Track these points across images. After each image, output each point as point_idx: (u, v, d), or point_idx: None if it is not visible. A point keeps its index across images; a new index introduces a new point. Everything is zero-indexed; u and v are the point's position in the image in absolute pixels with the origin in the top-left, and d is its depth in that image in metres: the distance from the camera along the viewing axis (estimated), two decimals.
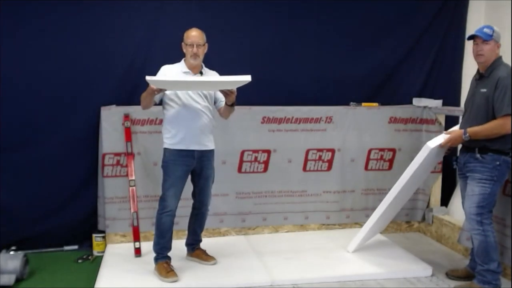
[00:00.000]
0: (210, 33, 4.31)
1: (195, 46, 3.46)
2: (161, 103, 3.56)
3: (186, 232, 3.86)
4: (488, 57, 3.32)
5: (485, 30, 3.32)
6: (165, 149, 3.55)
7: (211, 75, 3.62)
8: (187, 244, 3.86)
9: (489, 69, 3.32)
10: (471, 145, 3.35)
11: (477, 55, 3.35)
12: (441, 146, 3.42)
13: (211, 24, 4.27)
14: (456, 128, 3.62)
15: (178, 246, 3.76)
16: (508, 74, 3.24)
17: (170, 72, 3.51)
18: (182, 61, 3.58)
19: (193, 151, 3.51)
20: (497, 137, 3.24)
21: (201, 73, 3.56)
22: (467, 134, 3.31)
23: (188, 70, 3.53)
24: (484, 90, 3.30)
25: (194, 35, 3.49)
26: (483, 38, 3.31)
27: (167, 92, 3.47)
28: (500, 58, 3.35)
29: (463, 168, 3.47)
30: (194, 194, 3.72)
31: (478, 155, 3.32)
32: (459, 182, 3.64)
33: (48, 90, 4.06)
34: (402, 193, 3.68)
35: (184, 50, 3.53)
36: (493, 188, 3.29)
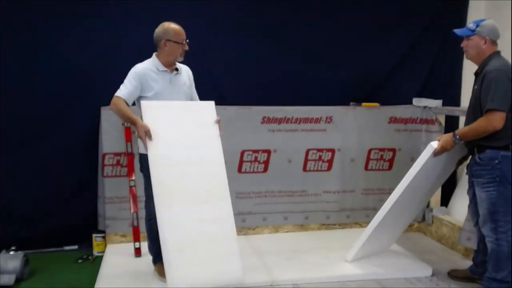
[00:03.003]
0: (211, 32, 4.33)
1: (186, 43, 3.34)
2: (134, 104, 3.41)
3: None
4: (473, 53, 3.23)
5: (469, 25, 3.24)
6: (142, 155, 3.32)
7: (184, 71, 3.48)
8: None
9: (481, 65, 3.21)
10: (469, 146, 3.28)
11: (464, 51, 3.31)
12: (434, 154, 3.24)
13: (212, 23, 4.30)
14: None
15: None
16: (496, 68, 3.08)
17: (143, 68, 3.31)
18: (154, 57, 3.38)
19: None
20: (492, 134, 3.08)
21: (176, 69, 3.41)
22: (457, 136, 3.19)
23: (165, 68, 3.36)
24: (476, 87, 3.21)
25: (184, 33, 3.34)
26: (459, 35, 3.28)
27: (149, 95, 3.30)
28: (494, 53, 3.20)
29: (470, 175, 3.31)
30: None
31: (477, 157, 3.19)
32: (467, 191, 3.46)
33: (48, 90, 4.06)
34: (406, 198, 3.50)
35: (167, 47, 3.31)
36: (500, 190, 3.10)
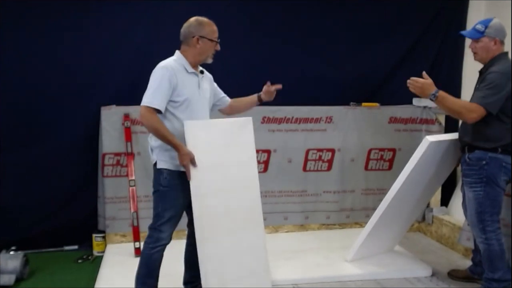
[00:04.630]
0: None
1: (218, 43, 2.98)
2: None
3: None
4: (482, 54, 3.19)
5: (477, 26, 3.18)
6: (164, 170, 2.88)
7: (207, 74, 3.13)
8: (185, 283, 3.21)
9: (487, 65, 3.19)
10: (461, 144, 3.27)
11: (472, 53, 3.28)
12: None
13: None
14: None
15: (178, 246, 3.73)
16: (500, 71, 3.06)
17: (174, 67, 2.85)
18: (180, 56, 2.94)
19: None
20: (483, 135, 3.09)
21: (202, 72, 3.05)
22: (437, 94, 3.12)
23: (193, 70, 2.96)
24: (477, 86, 3.21)
25: (217, 30, 2.98)
26: (467, 37, 3.25)
27: (179, 100, 2.85)
28: (502, 54, 3.17)
29: (462, 174, 3.33)
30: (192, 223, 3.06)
31: (466, 156, 3.19)
32: (461, 188, 3.48)
33: (48, 90, 4.06)
34: (404, 196, 3.50)
35: (200, 45, 2.91)
36: (487, 190, 3.10)
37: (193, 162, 2.83)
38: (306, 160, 4.54)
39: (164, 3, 4.22)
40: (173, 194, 2.89)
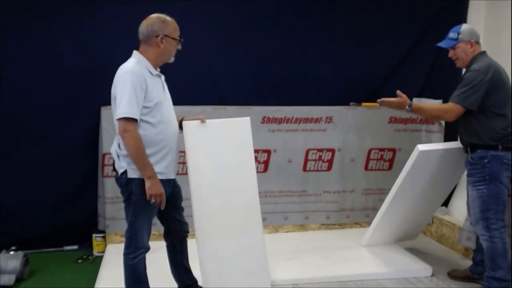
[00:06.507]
0: (211, 32, 4.32)
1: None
2: None
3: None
4: (464, 58, 3.31)
5: (450, 34, 3.32)
6: (136, 179, 2.70)
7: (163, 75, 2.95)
8: None
9: (468, 66, 3.28)
10: (464, 144, 3.30)
11: (454, 61, 3.38)
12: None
13: (212, 24, 4.29)
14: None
15: None
16: (476, 68, 3.16)
17: (140, 71, 2.71)
18: (142, 57, 2.78)
19: (173, 179, 2.89)
20: (482, 134, 3.15)
21: (162, 72, 2.90)
22: (411, 105, 3.29)
23: (156, 72, 2.82)
24: None
25: None
26: (444, 47, 3.35)
27: (150, 105, 2.70)
28: (480, 54, 3.27)
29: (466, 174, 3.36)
30: (170, 230, 3.04)
31: (469, 156, 3.24)
32: (466, 186, 3.50)
33: (48, 90, 4.05)
34: (404, 197, 3.59)
35: (163, 45, 2.78)
36: (490, 188, 3.14)
37: (162, 199, 2.72)
38: (306, 160, 4.54)
39: (164, 3, 4.20)
40: (146, 202, 2.72)
